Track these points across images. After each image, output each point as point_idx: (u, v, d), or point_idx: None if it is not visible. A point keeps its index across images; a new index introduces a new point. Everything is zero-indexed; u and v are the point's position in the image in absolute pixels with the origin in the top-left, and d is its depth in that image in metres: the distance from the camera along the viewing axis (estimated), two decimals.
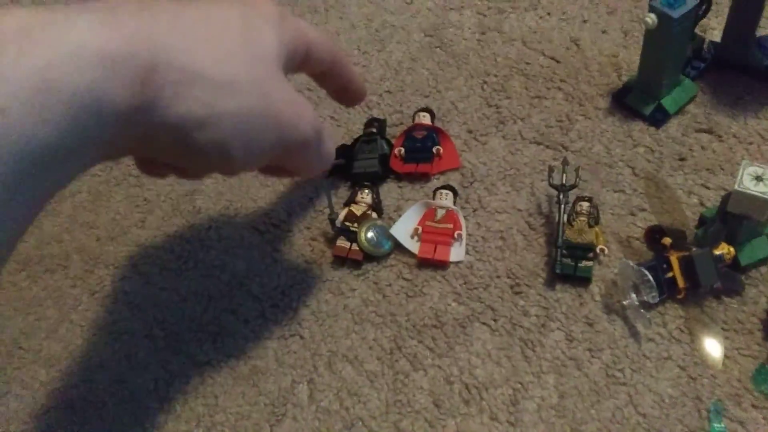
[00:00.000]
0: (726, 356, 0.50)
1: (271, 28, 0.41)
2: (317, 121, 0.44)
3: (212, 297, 0.58)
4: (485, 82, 0.68)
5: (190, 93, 0.36)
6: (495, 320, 0.54)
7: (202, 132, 0.37)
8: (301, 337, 0.55)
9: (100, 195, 0.66)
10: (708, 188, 0.58)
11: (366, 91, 0.56)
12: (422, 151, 0.62)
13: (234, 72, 0.38)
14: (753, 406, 0.48)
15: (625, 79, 0.66)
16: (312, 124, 0.43)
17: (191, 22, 0.38)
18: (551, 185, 0.57)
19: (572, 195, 0.57)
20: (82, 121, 0.31)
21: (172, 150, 0.38)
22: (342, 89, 0.53)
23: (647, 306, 0.52)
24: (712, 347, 0.50)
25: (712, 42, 0.65)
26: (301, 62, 0.46)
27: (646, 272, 0.51)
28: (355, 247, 0.57)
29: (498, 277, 0.56)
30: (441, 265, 0.57)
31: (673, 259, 0.52)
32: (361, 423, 0.51)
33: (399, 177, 0.62)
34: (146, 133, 0.35)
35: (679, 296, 0.52)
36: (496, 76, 0.68)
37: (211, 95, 0.37)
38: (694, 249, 0.52)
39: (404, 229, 0.58)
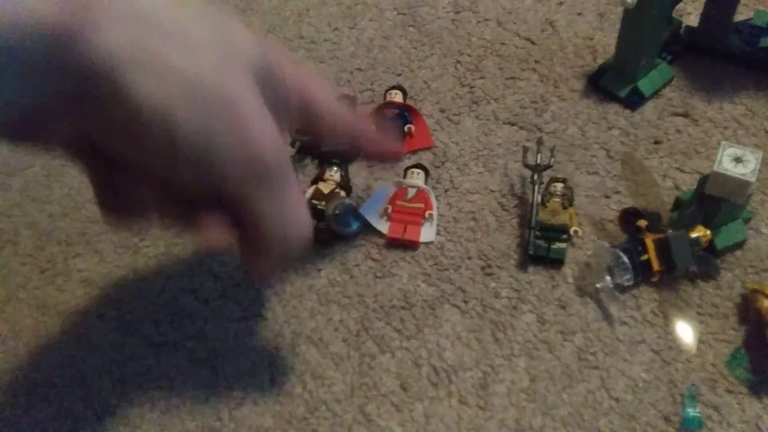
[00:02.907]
0: (700, 341, 0.49)
1: (256, 39, 0.36)
2: (285, 156, 0.37)
3: (170, 276, 0.55)
4: (459, 62, 0.66)
5: (134, 30, 0.30)
6: (465, 302, 0.52)
7: (143, 84, 0.31)
8: (264, 319, 0.53)
9: (53, 169, 0.62)
10: (683, 172, 0.57)
11: (402, 154, 0.53)
12: (393, 130, 0.60)
13: (194, 35, 0.32)
14: (728, 391, 0.47)
15: (600, 61, 0.64)
16: (276, 149, 0.36)
17: None
18: (525, 165, 0.55)
19: (546, 176, 0.55)
20: None
21: (109, 112, 0.32)
22: (374, 156, 0.51)
23: (621, 289, 0.51)
24: (687, 331, 0.49)
25: (688, 26, 0.64)
26: (305, 118, 0.41)
27: (622, 254, 0.50)
28: (322, 225, 0.55)
29: (469, 258, 0.54)
30: (411, 245, 0.55)
31: (649, 241, 0.51)
32: (324, 407, 0.49)
33: None
34: (80, 75, 0.30)
35: (654, 279, 0.51)
36: (470, 56, 0.66)
37: (160, 43, 0.31)
38: (669, 231, 0.51)
39: (373, 208, 0.56)
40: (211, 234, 0.38)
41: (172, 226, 0.40)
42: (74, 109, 0.32)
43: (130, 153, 0.34)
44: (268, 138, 0.35)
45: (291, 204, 0.38)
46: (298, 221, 0.39)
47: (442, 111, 0.63)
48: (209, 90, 0.32)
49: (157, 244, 0.57)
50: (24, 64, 0.28)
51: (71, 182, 0.61)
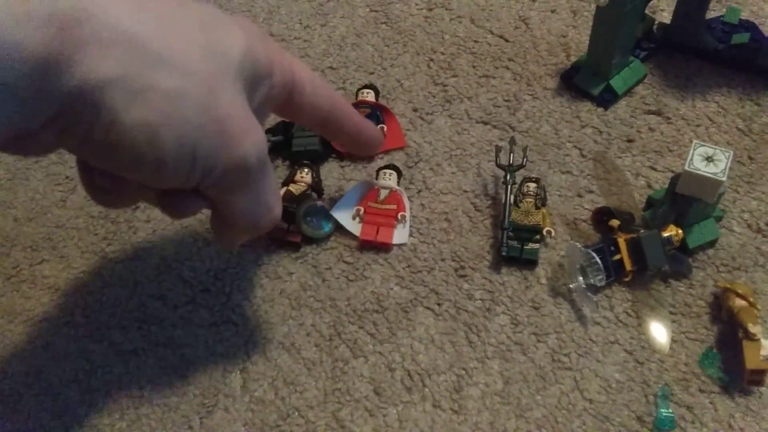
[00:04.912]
0: (673, 340, 0.49)
1: (242, 35, 0.37)
2: (264, 151, 0.38)
3: (138, 281, 0.54)
4: (432, 60, 0.65)
5: (119, 56, 0.31)
6: (439, 304, 0.52)
7: (127, 107, 0.32)
8: (234, 324, 0.52)
9: (18, 172, 0.61)
10: (656, 170, 0.57)
11: (382, 140, 0.54)
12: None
13: (179, 50, 0.34)
14: (700, 390, 0.47)
15: (573, 59, 0.64)
16: (258, 149, 0.38)
17: None
18: (498, 165, 0.55)
19: (519, 176, 0.55)
20: None
21: (94, 134, 0.32)
22: (348, 141, 0.51)
23: (594, 289, 0.51)
24: (660, 331, 0.49)
25: (661, 23, 0.64)
26: (286, 98, 0.42)
27: (594, 254, 0.50)
28: (293, 228, 0.54)
29: (442, 260, 0.54)
30: (383, 247, 0.54)
31: (621, 241, 0.51)
32: (297, 413, 0.48)
33: (341, 156, 0.59)
34: (66, 100, 0.31)
35: (626, 279, 0.51)
36: (443, 53, 0.66)
37: (143, 65, 0.32)
38: (642, 231, 0.51)
39: (345, 210, 0.56)
40: (185, 213, 0.40)
41: (150, 204, 0.42)
42: (61, 130, 0.32)
43: (114, 167, 0.35)
44: (251, 142, 0.37)
45: (265, 194, 0.40)
46: (270, 207, 0.41)
47: (415, 110, 0.62)
48: (195, 106, 0.34)
49: (124, 249, 0.56)
50: (12, 93, 0.29)
51: (36, 186, 0.60)
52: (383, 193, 0.56)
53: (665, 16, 0.65)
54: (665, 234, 0.50)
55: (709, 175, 0.47)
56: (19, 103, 0.30)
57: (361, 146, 0.53)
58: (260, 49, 0.38)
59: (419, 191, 0.57)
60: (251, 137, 0.37)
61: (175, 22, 0.35)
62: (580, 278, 0.50)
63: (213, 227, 0.44)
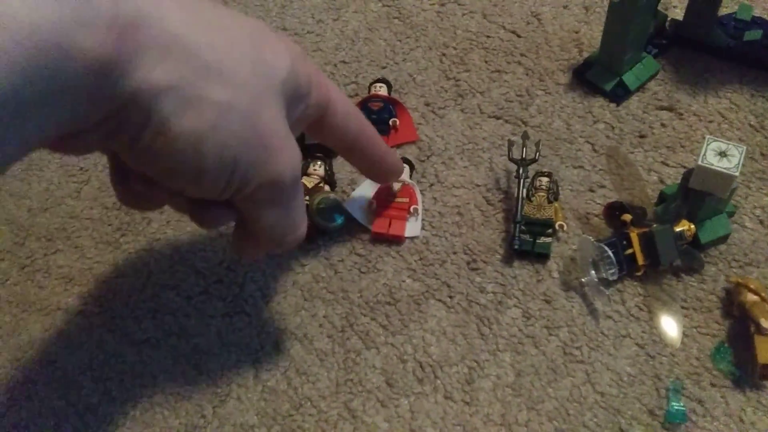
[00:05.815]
0: (685, 334, 0.49)
1: (287, 54, 0.38)
2: (299, 170, 0.40)
3: (152, 272, 0.55)
4: (444, 55, 0.65)
5: (176, 64, 0.32)
6: (451, 297, 0.52)
7: (179, 115, 0.32)
8: (247, 315, 0.52)
9: (32, 163, 0.61)
10: (668, 166, 0.57)
11: (402, 168, 0.53)
12: (378, 123, 0.59)
13: (231, 63, 0.34)
14: (711, 384, 0.47)
15: (585, 54, 0.64)
16: (294, 167, 0.39)
17: (195, 2, 0.34)
18: (511, 159, 0.55)
19: (532, 170, 0.55)
20: (42, 64, 0.27)
21: (141, 138, 0.33)
22: (371, 168, 0.51)
23: (606, 283, 0.51)
24: (671, 325, 0.49)
25: (674, 20, 0.64)
26: (318, 118, 0.43)
27: (606, 248, 0.50)
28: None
29: (454, 253, 0.54)
30: (396, 240, 0.55)
31: (633, 235, 0.51)
32: (309, 403, 0.48)
33: None
34: (119, 104, 0.31)
35: (638, 273, 0.51)
36: (455, 48, 0.66)
37: (198, 74, 0.33)
38: (654, 226, 0.51)
39: (358, 202, 0.56)
40: (214, 223, 0.41)
41: (180, 212, 0.43)
42: (109, 131, 0.33)
43: (154, 172, 0.36)
44: (288, 159, 0.38)
45: (294, 212, 0.41)
46: (296, 226, 0.42)
47: (427, 104, 0.62)
48: (241, 120, 0.35)
49: (138, 240, 0.56)
50: (70, 94, 0.29)
51: (50, 177, 0.60)
52: (396, 187, 0.56)
53: (678, 13, 0.65)
54: (677, 229, 0.50)
55: (723, 170, 0.47)
56: (75, 104, 0.30)
57: (382, 173, 0.53)
58: (302, 69, 0.39)
59: (431, 185, 0.57)
60: (289, 154, 0.38)
61: (229, 34, 0.35)
62: (592, 272, 0.50)
63: (235, 238, 0.44)
